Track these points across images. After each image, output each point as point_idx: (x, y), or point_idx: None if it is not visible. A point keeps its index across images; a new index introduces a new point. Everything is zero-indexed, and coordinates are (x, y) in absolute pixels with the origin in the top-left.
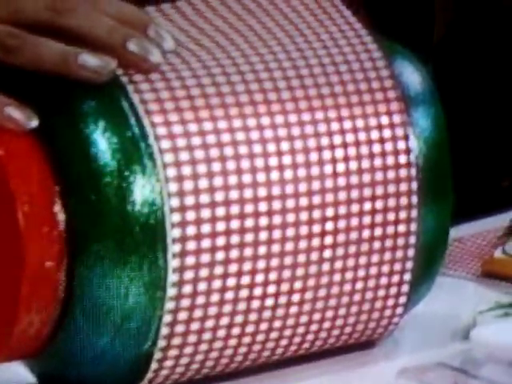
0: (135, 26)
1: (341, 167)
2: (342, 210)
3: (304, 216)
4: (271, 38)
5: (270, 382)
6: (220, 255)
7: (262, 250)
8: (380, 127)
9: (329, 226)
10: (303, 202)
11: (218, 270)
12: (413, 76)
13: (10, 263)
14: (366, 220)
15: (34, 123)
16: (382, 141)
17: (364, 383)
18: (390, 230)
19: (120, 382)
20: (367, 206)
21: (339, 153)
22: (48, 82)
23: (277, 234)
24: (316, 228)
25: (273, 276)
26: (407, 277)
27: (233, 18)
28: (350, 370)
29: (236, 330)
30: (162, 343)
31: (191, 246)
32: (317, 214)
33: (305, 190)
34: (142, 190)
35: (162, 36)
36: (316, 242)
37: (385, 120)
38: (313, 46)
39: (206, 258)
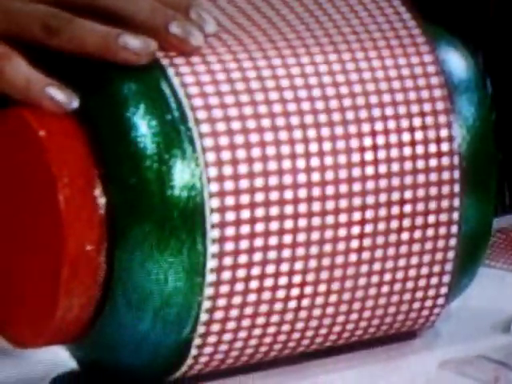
0: (177, 8)
1: (382, 154)
2: (383, 197)
3: (343, 205)
4: (313, 20)
5: (310, 372)
6: (259, 241)
7: (302, 237)
8: (422, 114)
9: (369, 213)
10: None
11: (257, 256)
12: (457, 62)
13: (49, 246)
14: (407, 209)
15: (75, 104)
16: (424, 128)
17: (405, 374)
18: (432, 219)
19: (160, 367)
20: (408, 194)
21: (380, 140)
22: (89, 65)
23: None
24: (356, 216)
25: (312, 264)
26: (449, 267)
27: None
28: (390, 360)
29: (275, 318)
30: (201, 329)
31: (230, 231)
32: (357, 201)
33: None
34: (181, 174)
35: (204, 18)
36: (356, 230)
37: (427, 107)
38: (355, 30)
39: (244, 244)
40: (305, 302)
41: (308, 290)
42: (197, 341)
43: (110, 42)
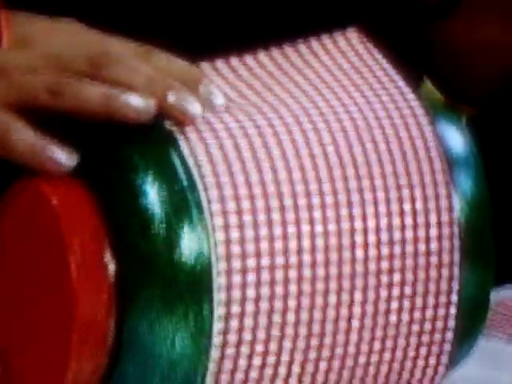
0: (185, 82)
1: (383, 221)
2: (385, 264)
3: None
4: (316, 93)
5: None
6: (265, 304)
7: (306, 301)
8: (423, 185)
9: (371, 280)
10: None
11: (263, 319)
12: (455, 136)
13: (59, 311)
14: (408, 277)
15: (74, 162)
16: (425, 199)
17: None
18: (432, 287)
19: None
20: (409, 261)
21: (382, 208)
22: (99, 133)
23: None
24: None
25: (316, 328)
26: (449, 335)
27: (278, 73)
28: None
29: (279, 381)
30: None
31: (236, 294)
32: (361, 267)
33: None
34: (189, 239)
35: (212, 92)
36: (358, 295)
37: (428, 178)
38: (356, 102)
39: (250, 307)
40: (309, 367)
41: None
42: None
43: (112, 98)
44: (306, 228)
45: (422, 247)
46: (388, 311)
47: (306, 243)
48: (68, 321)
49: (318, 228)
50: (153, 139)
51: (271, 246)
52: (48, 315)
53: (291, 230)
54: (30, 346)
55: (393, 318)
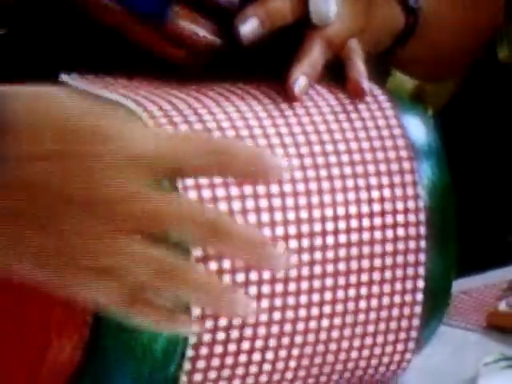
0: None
1: (353, 209)
2: (354, 251)
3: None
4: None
5: None
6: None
7: (278, 288)
8: (390, 173)
9: (341, 266)
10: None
11: None
12: (419, 126)
13: None
14: (377, 262)
15: None
16: (392, 186)
17: None
18: (399, 273)
19: None
20: (377, 248)
21: (351, 196)
22: None
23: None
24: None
25: (288, 314)
26: (415, 321)
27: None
28: None
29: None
30: None
31: None
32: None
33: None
34: None
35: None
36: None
37: (394, 167)
38: (325, 97)
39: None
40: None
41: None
42: None
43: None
44: (279, 215)
45: (389, 234)
46: (358, 297)
47: (280, 231)
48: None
49: (291, 215)
50: None
51: None
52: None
53: (264, 217)
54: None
55: (362, 303)
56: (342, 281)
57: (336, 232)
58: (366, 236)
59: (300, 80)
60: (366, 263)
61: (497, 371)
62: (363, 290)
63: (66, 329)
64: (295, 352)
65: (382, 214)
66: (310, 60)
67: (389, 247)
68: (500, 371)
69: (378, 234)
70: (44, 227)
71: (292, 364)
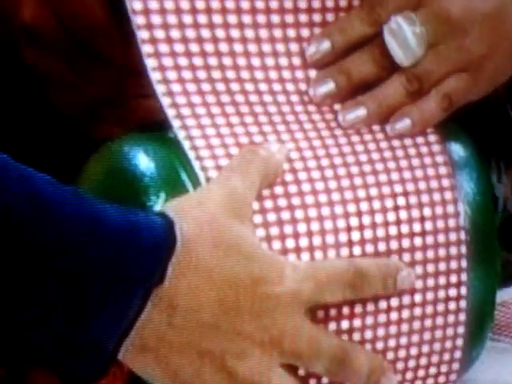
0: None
1: (393, 230)
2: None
3: None
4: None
5: None
6: None
7: None
8: (429, 190)
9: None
10: None
11: None
12: (458, 141)
13: None
14: (419, 284)
15: None
16: (432, 203)
17: None
18: (441, 293)
19: None
20: (418, 269)
21: (391, 216)
22: None
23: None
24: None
25: None
26: (459, 342)
27: None
28: None
29: None
30: None
31: None
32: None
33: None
34: None
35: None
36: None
37: (434, 184)
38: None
39: None
40: None
41: None
42: None
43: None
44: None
45: (430, 254)
46: (400, 320)
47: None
48: None
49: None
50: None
51: None
52: None
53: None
54: None
55: (404, 326)
56: (383, 305)
57: (376, 254)
58: (406, 257)
59: (354, 112)
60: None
61: None
62: (405, 313)
63: None
64: None
65: (423, 234)
66: (376, 92)
67: (430, 268)
68: None
69: (419, 255)
70: (222, 365)
71: None
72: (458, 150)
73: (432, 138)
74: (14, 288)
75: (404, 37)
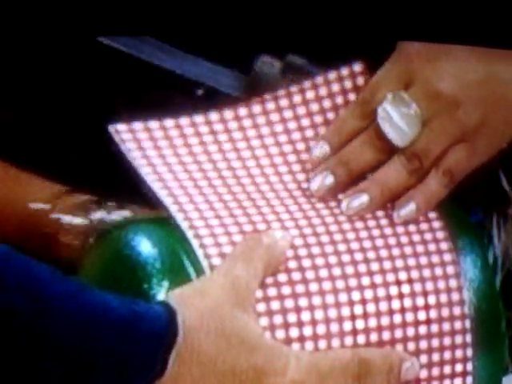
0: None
1: (397, 318)
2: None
3: None
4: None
5: None
6: None
7: None
8: (434, 278)
9: None
10: None
11: None
12: (462, 227)
13: None
14: (423, 373)
15: None
16: (436, 291)
17: None
18: (447, 383)
19: None
20: (423, 359)
21: (396, 304)
22: None
23: None
24: None
25: None
26: None
27: None
28: None
29: None
30: None
31: None
32: None
33: None
34: None
35: None
36: None
37: (439, 271)
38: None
39: None
40: None
41: None
42: None
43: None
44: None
45: (435, 343)
46: None
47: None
48: None
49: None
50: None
51: None
52: None
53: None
54: None
55: None
56: None
57: (381, 342)
58: (411, 346)
59: (358, 200)
60: None
61: None
62: None
63: None
64: None
65: (428, 322)
66: (377, 175)
67: (435, 357)
68: None
69: (424, 344)
70: None
71: None
72: (461, 236)
73: (436, 224)
74: (16, 382)
75: (395, 121)
